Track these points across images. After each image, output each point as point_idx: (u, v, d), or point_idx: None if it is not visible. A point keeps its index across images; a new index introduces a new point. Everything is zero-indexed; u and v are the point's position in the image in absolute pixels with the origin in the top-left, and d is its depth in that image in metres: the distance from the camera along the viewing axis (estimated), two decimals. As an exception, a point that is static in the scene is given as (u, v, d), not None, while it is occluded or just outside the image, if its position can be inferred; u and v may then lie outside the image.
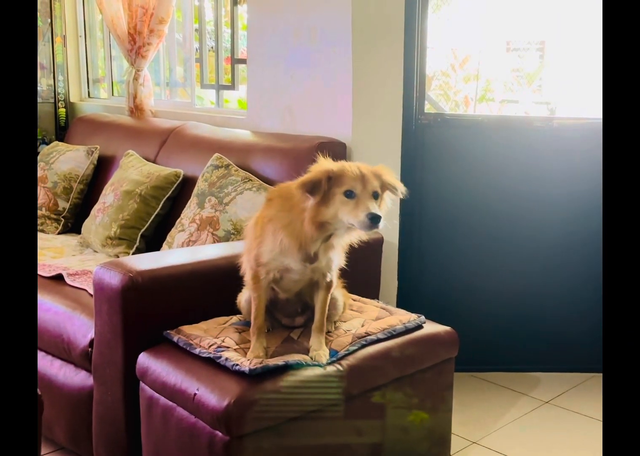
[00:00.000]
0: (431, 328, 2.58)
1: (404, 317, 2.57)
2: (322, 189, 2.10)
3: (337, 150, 3.17)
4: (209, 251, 2.73)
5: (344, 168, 2.13)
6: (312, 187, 2.10)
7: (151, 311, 2.42)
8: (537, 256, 3.52)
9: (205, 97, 4.76)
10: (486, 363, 3.59)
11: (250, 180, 3.12)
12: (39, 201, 3.97)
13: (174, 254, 2.78)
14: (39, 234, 3.84)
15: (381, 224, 2.08)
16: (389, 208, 2.23)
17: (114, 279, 2.38)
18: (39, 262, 3.29)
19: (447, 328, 2.60)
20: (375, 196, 2.13)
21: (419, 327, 2.56)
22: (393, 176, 2.22)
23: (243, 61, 4.01)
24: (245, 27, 3.78)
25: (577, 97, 5.60)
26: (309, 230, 2.14)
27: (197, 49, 4.50)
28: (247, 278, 2.34)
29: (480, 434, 3.02)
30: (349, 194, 2.10)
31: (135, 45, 4.35)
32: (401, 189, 2.21)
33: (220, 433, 2.05)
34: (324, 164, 2.17)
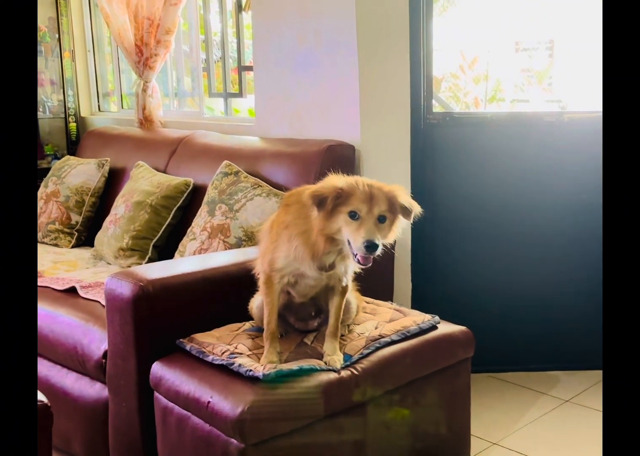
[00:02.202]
0: (446, 328, 2.56)
1: (418, 318, 2.54)
2: (327, 206, 2.07)
3: (346, 153, 3.15)
4: (220, 258, 2.72)
5: (354, 187, 2.09)
6: (319, 202, 2.08)
7: (163, 320, 2.41)
8: (553, 253, 3.49)
9: (216, 107, 4.77)
10: (504, 364, 3.56)
11: (260, 186, 3.11)
12: (52, 216, 3.98)
13: (185, 262, 2.77)
14: (53, 249, 3.85)
15: (378, 251, 2.04)
16: (399, 232, 2.19)
17: (125, 289, 2.37)
18: (52, 276, 3.30)
19: (462, 327, 2.57)
20: (382, 220, 2.09)
21: (434, 327, 2.53)
22: (407, 198, 2.16)
23: (250, 68, 4.02)
24: (252, 35, 3.77)
25: (588, 93, 5.56)
26: (320, 242, 2.12)
27: (203, 60, 4.51)
28: (260, 282, 2.33)
29: (500, 435, 2.99)
30: (353, 216, 2.06)
31: (143, 57, 4.36)
32: (416, 211, 2.17)
33: (235, 441, 2.03)
34: (335, 181, 2.14)
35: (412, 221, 2.19)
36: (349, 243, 2.07)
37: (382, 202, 2.09)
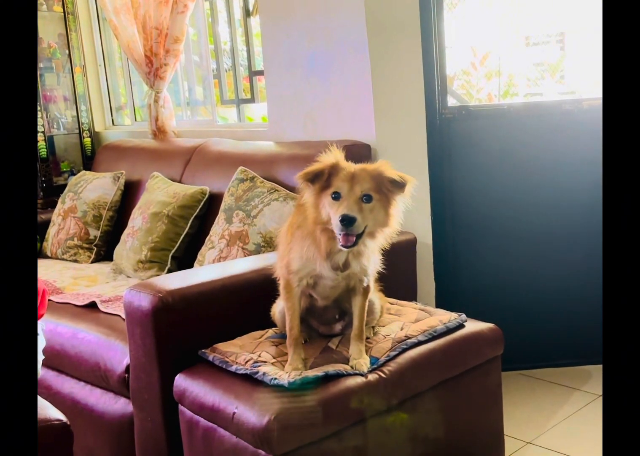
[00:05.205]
0: (473, 326, 2.49)
1: (444, 317, 2.49)
2: (323, 177, 2.04)
3: (362, 152, 3.11)
4: (239, 265, 2.67)
5: (339, 167, 2.06)
6: (313, 177, 2.06)
7: (184, 331, 2.37)
8: (578, 245, 3.41)
9: (229, 117, 4.73)
10: (533, 360, 3.49)
11: (277, 190, 3.06)
12: (71, 232, 3.96)
13: (203, 271, 2.72)
14: (73, 265, 3.83)
15: (356, 227, 1.98)
16: (400, 215, 2.11)
17: (144, 301, 2.33)
18: (72, 292, 3.27)
19: (490, 325, 2.51)
20: (367, 199, 2.02)
21: (461, 326, 2.47)
22: (392, 172, 2.07)
23: (261, 73, 3.98)
24: (261, 39, 3.73)
25: (602, 82, 5.49)
26: (320, 235, 2.09)
27: (214, 69, 4.48)
28: (280, 287, 2.28)
29: (534, 433, 2.92)
30: (336, 197, 2.02)
31: (153, 68, 4.34)
32: (408, 182, 2.06)
33: (263, 452, 1.98)
34: (327, 158, 2.11)
35: (405, 194, 2.08)
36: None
37: (365, 181, 2.03)
